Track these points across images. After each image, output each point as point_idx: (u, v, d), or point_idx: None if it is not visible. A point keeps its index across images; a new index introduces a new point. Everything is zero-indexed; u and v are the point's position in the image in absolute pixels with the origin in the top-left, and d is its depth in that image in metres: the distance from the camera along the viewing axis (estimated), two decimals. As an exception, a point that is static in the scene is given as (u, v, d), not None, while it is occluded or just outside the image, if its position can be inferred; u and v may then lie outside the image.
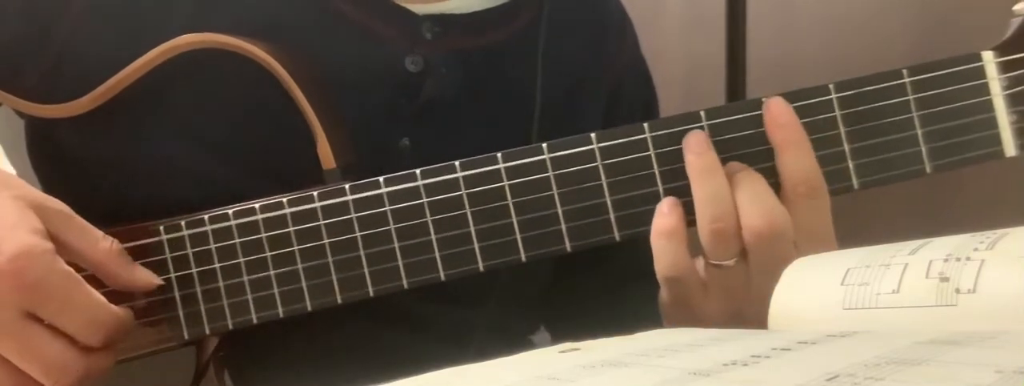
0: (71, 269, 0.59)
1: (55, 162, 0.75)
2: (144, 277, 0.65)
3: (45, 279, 0.57)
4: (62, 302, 0.58)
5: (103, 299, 0.61)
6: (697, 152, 0.61)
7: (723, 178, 0.60)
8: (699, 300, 0.62)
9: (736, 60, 1.57)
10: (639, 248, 0.63)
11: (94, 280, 0.62)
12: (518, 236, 0.64)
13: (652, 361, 0.34)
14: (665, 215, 0.61)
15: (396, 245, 0.64)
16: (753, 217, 0.59)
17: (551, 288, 0.88)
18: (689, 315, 0.63)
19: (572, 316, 0.89)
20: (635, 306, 0.82)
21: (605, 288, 0.87)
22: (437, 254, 0.64)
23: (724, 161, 0.62)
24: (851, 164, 0.61)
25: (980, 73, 0.60)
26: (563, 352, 0.38)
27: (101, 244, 0.63)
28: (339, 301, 0.65)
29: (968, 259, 0.36)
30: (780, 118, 0.61)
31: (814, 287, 0.41)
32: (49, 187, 0.76)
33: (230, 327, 0.67)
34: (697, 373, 0.31)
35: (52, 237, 0.59)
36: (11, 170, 0.77)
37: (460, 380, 0.35)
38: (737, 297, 0.61)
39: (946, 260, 0.36)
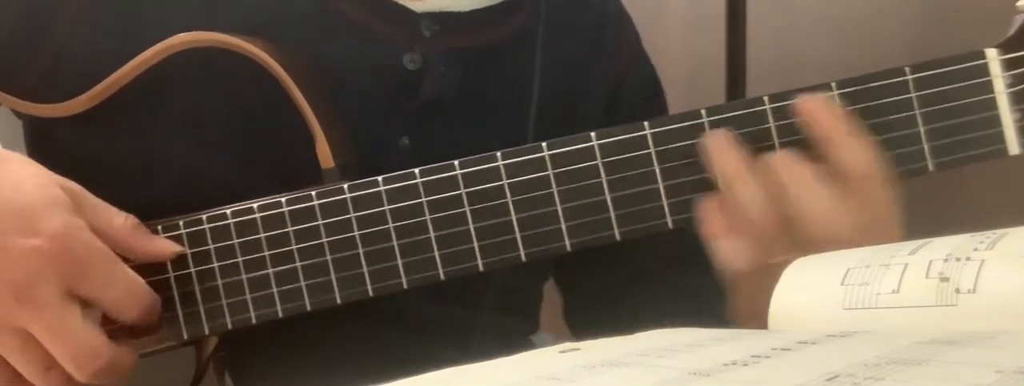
0: (106, 246, 0.61)
1: (54, 162, 0.75)
2: (165, 246, 0.66)
3: (87, 256, 0.60)
4: (104, 277, 0.60)
5: (137, 275, 0.63)
6: (721, 153, 0.60)
7: (753, 176, 0.59)
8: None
9: (736, 60, 1.57)
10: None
11: None
12: (517, 235, 0.64)
13: (652, 361, 0.34)
14: (712, 214, 0.60)
15: (395, 244, 0.64)
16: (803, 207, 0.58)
17: (571, 287, 0.88)
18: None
19: (598, 313, 0.89)
20: (665, 296, 0.82)
21: (631, 281, 0.87)
22: (436, 253, 0.64)
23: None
24: (853, 162, 0.61)
25: (983, 71, 0.60)
26: (563, 352, 0.38)
27: (116, 219, 0.64)
28: (338, 301, 0.65)
29: (968, 259, 0.36)
30: (816, 113, 0.60)
31: (814, 287, 0.41)
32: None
33: (229, 326, 0.67)
34: (697, 373, 0.31)
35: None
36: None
37: (460, 380, 0.35)
38: None
39: (946, 260, 0.36)
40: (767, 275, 0.60)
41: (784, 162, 0.59)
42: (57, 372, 0.61)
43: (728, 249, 0.60)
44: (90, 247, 0.60)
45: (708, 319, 0.59)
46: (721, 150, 0.60)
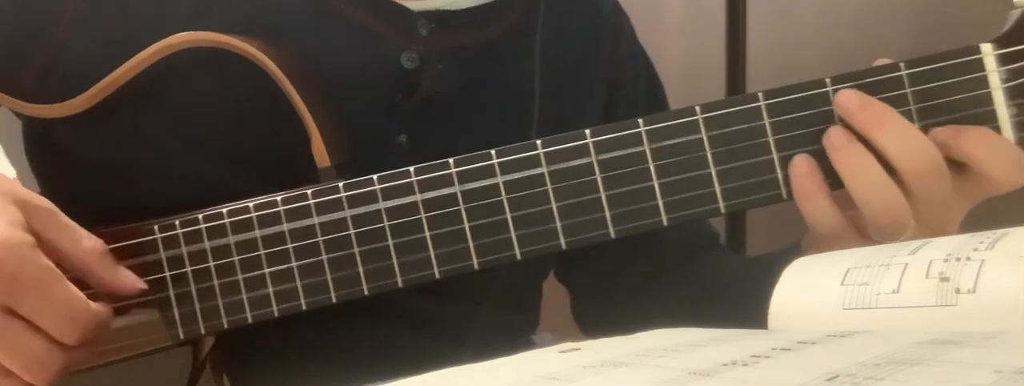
0: (51, 263, 0.57)
1: (53, 162, 0.75)
2: (127, 279, 0.64)
3: (23, 272, 0.56)
4: (39, 296, 0.56)
5: (81, 295, 0.59)
6: (840, 147, 0.60)
7: (878, 167, 0.59)
8: None
9: (736, 59, 1.57)
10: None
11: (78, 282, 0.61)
12: (512, 233, 0.63)
13: (652, 361, 0.34)
14: (805, 175, 0.60)
15: (390, 243, 0.64)
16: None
17: (586, 290, 0.88)
18: None
19: (616, 314, 0.89)
20: (683, 289, 0.83)
21: (650, 278, 0.87)
22: (431, 252, 0.64)
23: (720, 155, 0.61)
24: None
25: (979, 66, 0.60)
26: (563, 352, 0.38)
27: (84, 243, 0.62)
28: (334, 300, 0.65)
29: (968, 259, 0.36)
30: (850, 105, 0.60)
31: (814, 287, 0.41)
32: (48, 187, 0.76)
33: (225, 326, 0.67)
34: (697, 373, 0.31)
35: (35, 234, 0.58)
36: (12, 171, 0.77)
37: (461, 379, 0.35)
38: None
39: (946, 260, 0.36)
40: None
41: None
42: (16, 379, 0.59)
43: (817, 211, 0.60)
44: (29, 262, 0.56)
45: (731, 305, 0.59)
46: (831, 147, 0.60)
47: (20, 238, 0.56)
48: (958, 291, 0.35)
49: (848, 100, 0.60)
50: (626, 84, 0.86)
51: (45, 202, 0.61)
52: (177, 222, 0.66)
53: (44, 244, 0.59)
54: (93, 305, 0.59)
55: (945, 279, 0.36)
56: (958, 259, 0.36)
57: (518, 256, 0.64)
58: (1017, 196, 0.60)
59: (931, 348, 0.31)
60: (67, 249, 0.61)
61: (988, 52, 0.60)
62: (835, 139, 0.60)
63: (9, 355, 0.57)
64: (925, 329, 0.34)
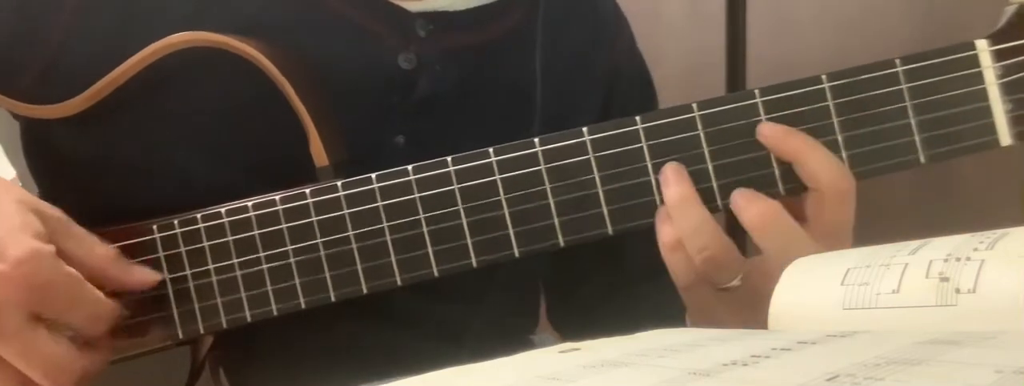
0: (73, 269, 0.60)
1: (51, 163, 0.75)
2: (142, 276, 0.66)
3: (52, 281, 0.59)
4: (69, 301, 0.60)
5: (102, 295, 0.62)
6: (674, 183, 0.61)
7: (702, 207, 0.60)
8: (718, 310, 0.61)
9: (736, 58, 1.57)
10: (650, 244, 0.63)
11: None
12: (511, 231, 0.63)
13: (652, 361, 0.34)
14: (665, 222, 0.61)
15: (389, 241, 0.64)
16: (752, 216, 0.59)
17: (556, 286, 0.88)
18: (711, 323, 0.62)
19: (580, 314, 0.89)
20: (645, 304, 0.82)
21: (614, 286, 0.87)
22: (429, 250, 0.64)
23: (717, 152, 0.61)
24: (844, 154, 0.61)
25: (974, 62, 0.60)
26: (563, 352, 0.38)
27: (97, 250, 0.64)
28: (333, 298, 0.65)
29: (968, 259, 0.36)
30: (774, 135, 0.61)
31: (814, 287, 0.41)
32: (45, 188, 0.76)
33: (224, 325, 0.67)
34: (697, 373, 0.31)
35: (52, 243, 0.60)
36: (12, 171, 0.77)
37: (461, 379, 0.35)
38: (753, 307, 0.60)
39: (946, 260, 0.36)
40: (717, 295, 0.61)
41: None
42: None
43: (678, 262, 0.61)
44: (55, 272, 0.59)
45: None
46: (665, 182, 0.61)
47: (46, 249, 0.59)
48: (958, 291, 0.35)
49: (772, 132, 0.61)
50: (622, 86, 0.86)
51: (58, 211, 0.63)
52: (175, 222, 0.66)
53: (59, 253, 0.61)
54: (113, 302, 0.63)
55: (945, 279, 0.36)
56: (958, 259, 0.36)
57: (516, 254, 0.64)
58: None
59: (931, 348, 0.31)
60: (83, 258, 0.63)
61: (983, 48, 0.60)
62: (672, 175, 0.61)
63: (31, 361, 0.59)
64: (925, 329, 0.34)
